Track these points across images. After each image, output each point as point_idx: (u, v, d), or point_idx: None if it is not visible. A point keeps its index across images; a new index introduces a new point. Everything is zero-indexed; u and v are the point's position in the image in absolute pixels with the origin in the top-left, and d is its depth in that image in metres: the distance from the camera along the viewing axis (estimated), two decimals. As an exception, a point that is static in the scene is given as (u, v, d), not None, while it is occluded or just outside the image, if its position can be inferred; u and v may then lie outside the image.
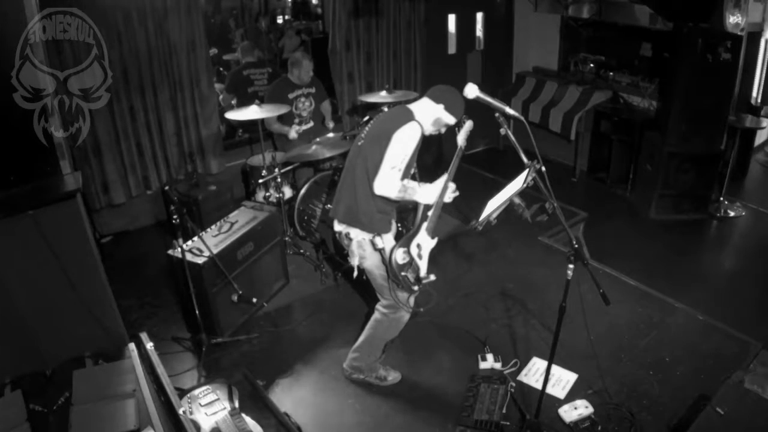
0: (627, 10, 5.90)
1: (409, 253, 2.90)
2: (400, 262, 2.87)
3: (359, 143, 2.96)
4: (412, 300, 3.14)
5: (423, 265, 2.95)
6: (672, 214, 5.44)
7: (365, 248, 2.96)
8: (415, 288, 2.98)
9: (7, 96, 2.53)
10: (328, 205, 3.07)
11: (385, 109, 3.12)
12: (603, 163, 6.31)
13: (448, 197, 2.95)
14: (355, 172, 2.91)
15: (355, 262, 3.03)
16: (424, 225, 2.93)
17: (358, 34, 5.89)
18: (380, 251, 2.93)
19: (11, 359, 2.97)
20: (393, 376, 3.37)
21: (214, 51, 7.24)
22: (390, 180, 2.75)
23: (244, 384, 3.32)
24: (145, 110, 4.87)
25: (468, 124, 3.05)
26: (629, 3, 5.79)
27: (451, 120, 2.91)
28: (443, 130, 2.99)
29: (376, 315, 3.18)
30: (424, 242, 2.94)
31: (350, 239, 2.97)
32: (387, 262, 2.90)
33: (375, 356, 3.30)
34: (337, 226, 3.04)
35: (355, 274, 3.11)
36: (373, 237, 2.92)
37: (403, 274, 2.89)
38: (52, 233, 2.86)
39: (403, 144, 2.77)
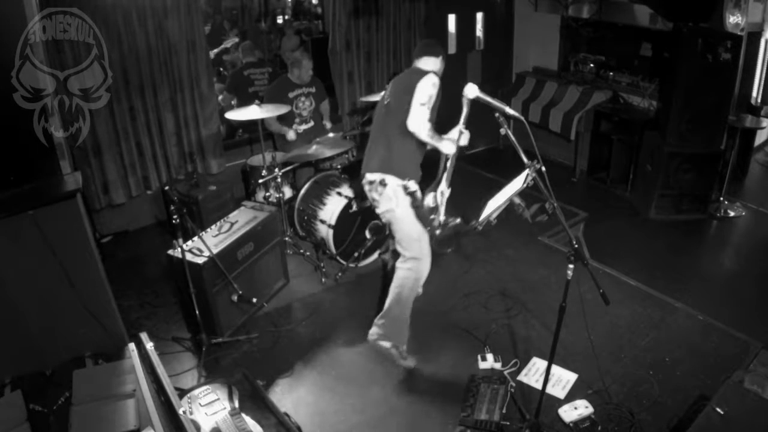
0: (627, 10, 5.90)
1: (435, 198, 3.26)
2: (431, 205, 3.26)
3: (385, 102, 3.28)
4: (432, 246, 3.38)
5: (442, 211, 3.32)
6: (672, 214, 5.44)
7: (398, 194, 3.22)
8: (438, 231, 3.33)
9: (7, 96, 2.53)
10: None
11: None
12: (603, 163, 6.31)
13: (464, 141, 3.22)
14: (385, 127, 3.25)
15: (383, 208, 3.29)
16: (446, 175, 3.25)
17: (358, 34, 5.89)
18: (413, 194, 3.24)
19: (11, 359, 2.96)
20: (411, 360, 3.42)
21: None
22: (421, 116, 3.04)
23: (244, 384, 3.32)
24: (145, 110, 4.87)
25: (465, 136, 3.23)
26: (629, 3, 5.79)
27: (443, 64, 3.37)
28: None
29: (399, 273, 3.32)
30: (445, 190, 3.29)
31: (385, 185, 3.22)
32: (420, 204, 3.24)
33: (405, 316, 3.35)
34: (370, 176, 3.28)
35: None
36: (407, 181, 3.22)
37: (432, 217, 3.25)
38: (52, 233, 2.85)
39: (428, 88, 3.09)
